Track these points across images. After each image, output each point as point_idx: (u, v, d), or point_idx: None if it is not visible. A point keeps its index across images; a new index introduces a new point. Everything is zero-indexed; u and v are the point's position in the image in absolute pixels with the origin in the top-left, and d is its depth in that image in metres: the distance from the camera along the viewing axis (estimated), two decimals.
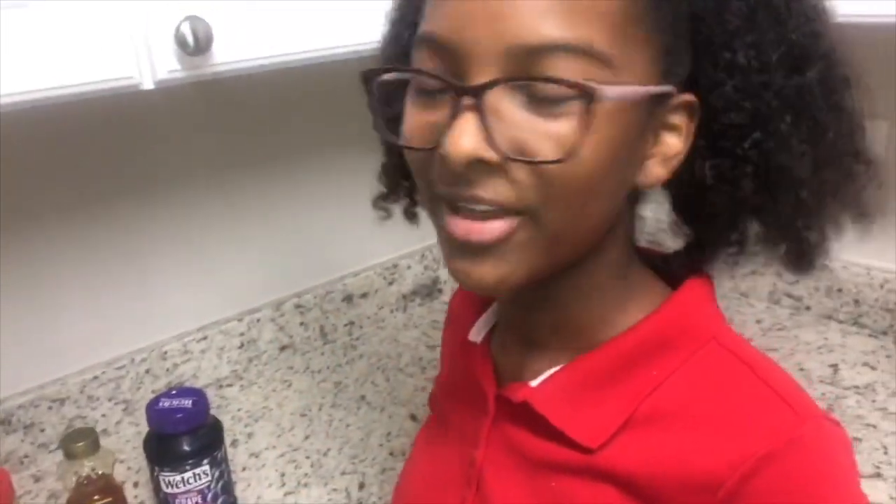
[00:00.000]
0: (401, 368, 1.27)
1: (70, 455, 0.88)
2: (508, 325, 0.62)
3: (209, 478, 0.91)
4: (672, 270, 0.58)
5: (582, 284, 0.54)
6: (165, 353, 1.17)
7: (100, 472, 0.89)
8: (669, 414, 0.51)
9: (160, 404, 0.91)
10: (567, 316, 0.56)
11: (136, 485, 1.03)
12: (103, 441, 0.91)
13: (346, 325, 1.37)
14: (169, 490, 0.90)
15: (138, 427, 1.15)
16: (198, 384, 1.21)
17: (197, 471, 0.90)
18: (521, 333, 0.59)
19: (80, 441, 0.88)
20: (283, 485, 1.01)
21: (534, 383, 0.56)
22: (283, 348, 1.30)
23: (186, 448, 0.90)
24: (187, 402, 0.91)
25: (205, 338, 1.20)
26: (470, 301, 0.67)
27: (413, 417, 1.13)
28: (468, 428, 0.61)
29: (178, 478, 0.90)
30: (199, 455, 0.90)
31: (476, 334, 0.64)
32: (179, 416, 0.90)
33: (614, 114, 0.45)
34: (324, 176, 1.28)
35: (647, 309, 0.54)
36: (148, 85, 0.74)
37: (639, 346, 0.53)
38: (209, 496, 0.92)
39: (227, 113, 1.15)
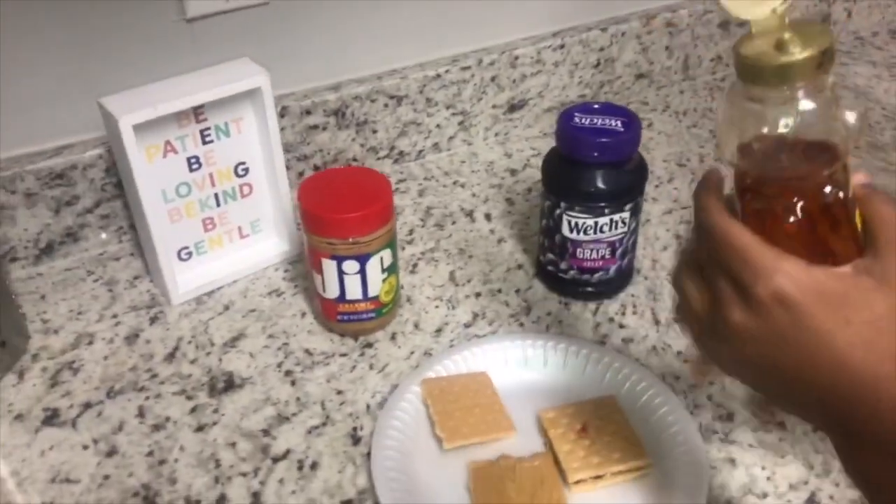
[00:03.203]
0: None
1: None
2: None
3: (625, 228, 0.68)
4: None
5: None
6: (516, 58, 0.91)
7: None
8: None
9: (576, 119, 0.67)
10: None
11: (487, 217, 0.83)
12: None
13: (711, 61, 1.06)
14: (573, 235, 0.68)
15: (471, 147, 0.93)
16: (542, 105, 0.96)
17: (615, 217, 0.67)
18: None
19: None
20: None
21: None
22: (639, 76, 1.01)
23: (605, 185, 0.66)
24: (615, 124, 0.66)
25: (561, 46, 0.93)
26: None
27: None
28: None
29: (590, 222, 0.67)
30: (621, 197, 0.67)
31: None
32: (605, 140, 0.65)
33: None
34: None
35: None
36: None
37: None
38: (619, 251, 0.69)
39: None
